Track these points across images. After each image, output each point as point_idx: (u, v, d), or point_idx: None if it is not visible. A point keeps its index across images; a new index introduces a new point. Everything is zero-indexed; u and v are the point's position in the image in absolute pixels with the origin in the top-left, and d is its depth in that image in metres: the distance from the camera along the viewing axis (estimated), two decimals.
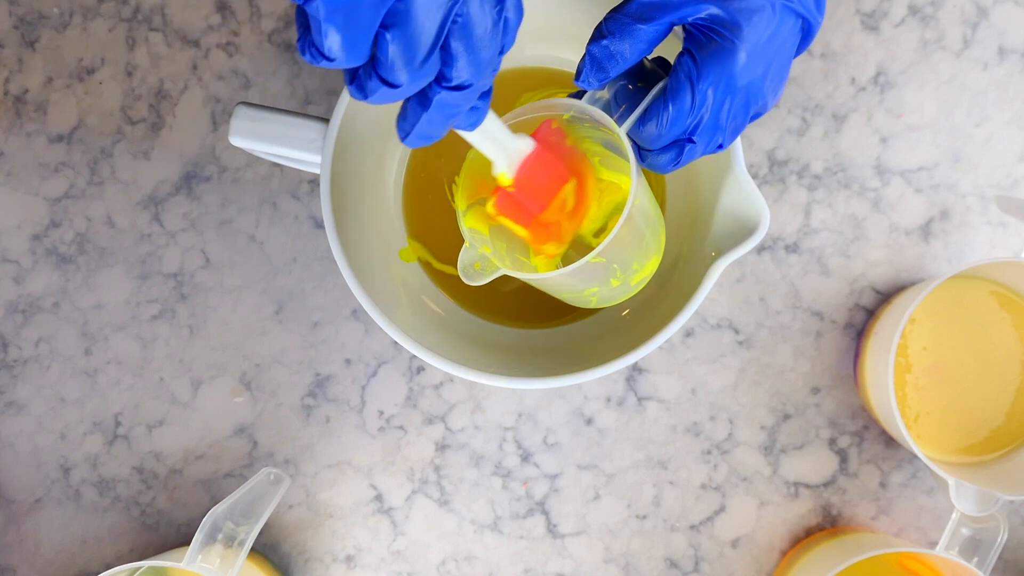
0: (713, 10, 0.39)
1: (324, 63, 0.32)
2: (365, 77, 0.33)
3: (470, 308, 0.57)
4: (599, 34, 0.41)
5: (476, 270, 0.44)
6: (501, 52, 0.35)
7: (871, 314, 0.59)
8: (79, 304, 0.60)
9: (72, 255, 0.60)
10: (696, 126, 0.40)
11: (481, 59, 0.33)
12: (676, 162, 0.42)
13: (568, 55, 0.56)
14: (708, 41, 0.39)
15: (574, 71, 0.56)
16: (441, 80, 0.34)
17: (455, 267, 0.56)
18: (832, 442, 0.59)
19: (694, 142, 0.41)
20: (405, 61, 0.32)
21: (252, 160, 0.60)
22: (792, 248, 0.59)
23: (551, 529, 0.60)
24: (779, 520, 0.59)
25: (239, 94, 0.60)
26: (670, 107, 0.40)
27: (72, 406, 0.60)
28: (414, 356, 0.59)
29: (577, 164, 0.43)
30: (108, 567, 0.58)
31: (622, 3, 0.41)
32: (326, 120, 0.48)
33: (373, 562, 0.60)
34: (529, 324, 0.56)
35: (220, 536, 0.52)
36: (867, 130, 0.59)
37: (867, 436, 0.59)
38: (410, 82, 0.33)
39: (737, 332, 0.59)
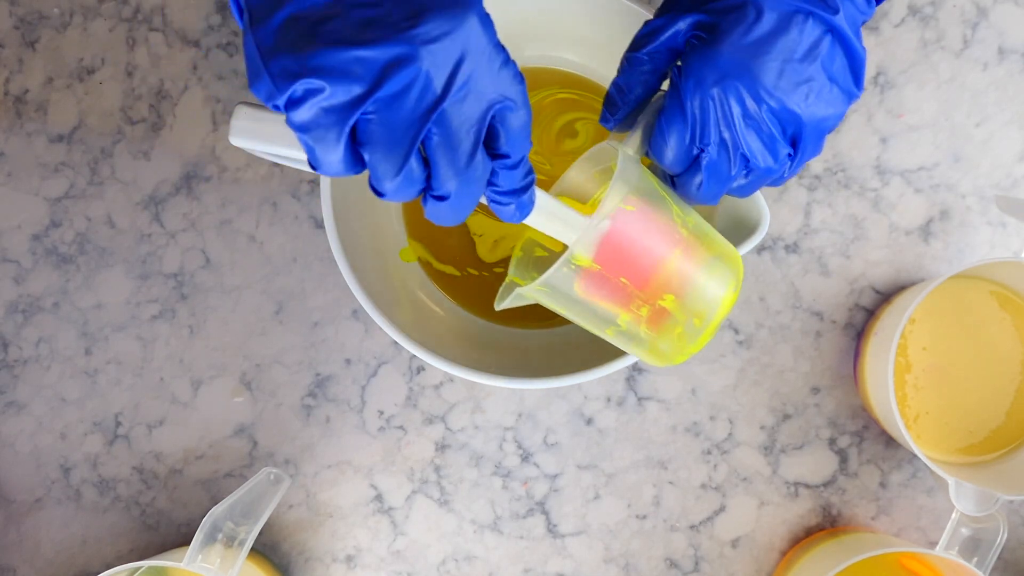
0: (692, 18, 0.40)
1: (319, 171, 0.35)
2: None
3: (470, 308, 0.57)
4: (614, 79, 0.43)
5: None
6: (500, 153, 0.36)
7: (871, 314, 0.59)
8: (79, 304, 0.60)
9: (72, 255, 0.60)
10: (699, 131, 0.40)
11: (451, 174, 0.35)
12: (700, 181, 0.41)
13: (568, 55, 0.56)
14: (690, 48, 0.40)
15: (574, 71, 0.56)
16: (428, 189, 0.36)
17: (455, 267, 0.57)
18: (832, 442, 0.59)
19: (705, 151, 0.40)
20: (382, 174, 0.34)
21: (252, 160, 0.60)
22: (792, 248, 0.59)
23: (551, 529, 0.60)
24: (779, 520, 0.59)
25: (239, 94, 0.60)
26: (665, 111, 0.41)
27: (72, 406, 0.60)
28: (414, 356, 0.59)
29: (673, 233, 0.43)
30: (108, 567, 0.58)
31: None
32: None
33: (373, 562, 0.60)
34: (529, 324, 0.56)
35: (220, 536, 0.52)
36: (867, 130, 0.59)
37: (867, 436, 0.59)
38: (395, 191, 0.35)
39: (737, 332, 0.59)
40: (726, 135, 0.40)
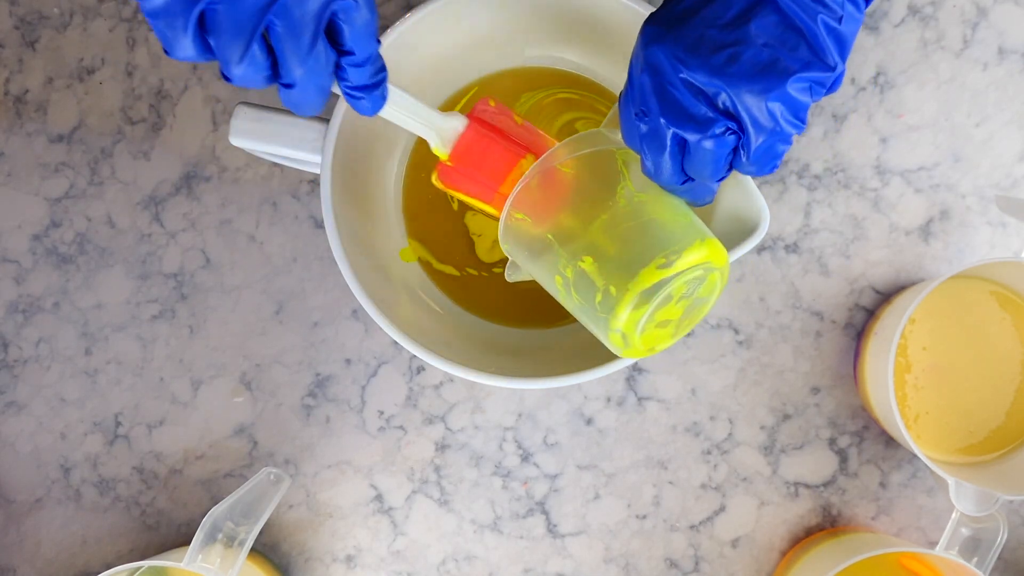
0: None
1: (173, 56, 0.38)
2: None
3: (470, 308, 0.57)
4: None
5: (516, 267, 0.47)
6: (345, 48, 0.38)
7: (871, 314, 0.59)
8: (79, 304, 0.60)
9: (72, 255, 0.60)
10: (638, 103, 0.40)
11: (295, 62, 0.37)
12: (644, 160, 0.41)
13: (568, 55, 0.56)
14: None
15: (574, 71, 0.56)
16: (276, 77, 0.38)
17: (455, 267, 0.57)
18: (832, 442, 0.59)
19: (640, 127, 0.40)
20: (228, 59, 0.37)
21: (252, 160, 0.60)
22: (792, 248, 0.59)
23: (551, 529, 0.60)
24: (779, 520, 0.59)
25: (239, 94, 0.60)
26: (623, 98, 0.41)
27: (72, 406, 0.60)
28: (414, 356, 0.59)
29: (535, 140, 0.45)
30: (108, 567, 0.58)
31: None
32: (326, 120, 0.48)
33: (373, 562, 0.60)
34: (529, 324, 0.56)
35: (220, 536, 0.52)
36: (867, 130, 0.59)
37: (867, 436, 0.59)
38: (241, 77, 0.37)
39: (737, 332, 0.59)
40: (651, 105, 0.39)
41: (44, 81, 0.60)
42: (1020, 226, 0.59)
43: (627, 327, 0.42)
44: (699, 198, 0.43)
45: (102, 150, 0.60)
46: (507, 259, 0.56)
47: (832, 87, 0.39)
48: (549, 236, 0.43)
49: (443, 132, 0.44)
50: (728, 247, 0.45)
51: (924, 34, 0.59)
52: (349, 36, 0.38)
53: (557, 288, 0.44)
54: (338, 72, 0.40)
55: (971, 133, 0.59)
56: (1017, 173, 0.59)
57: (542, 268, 0.44)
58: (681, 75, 0.38)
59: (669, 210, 0.42)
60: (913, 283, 0.59)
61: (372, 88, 0.40)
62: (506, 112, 0.45)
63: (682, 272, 0.41)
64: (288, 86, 0.38)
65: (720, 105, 0.38)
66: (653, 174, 0.41)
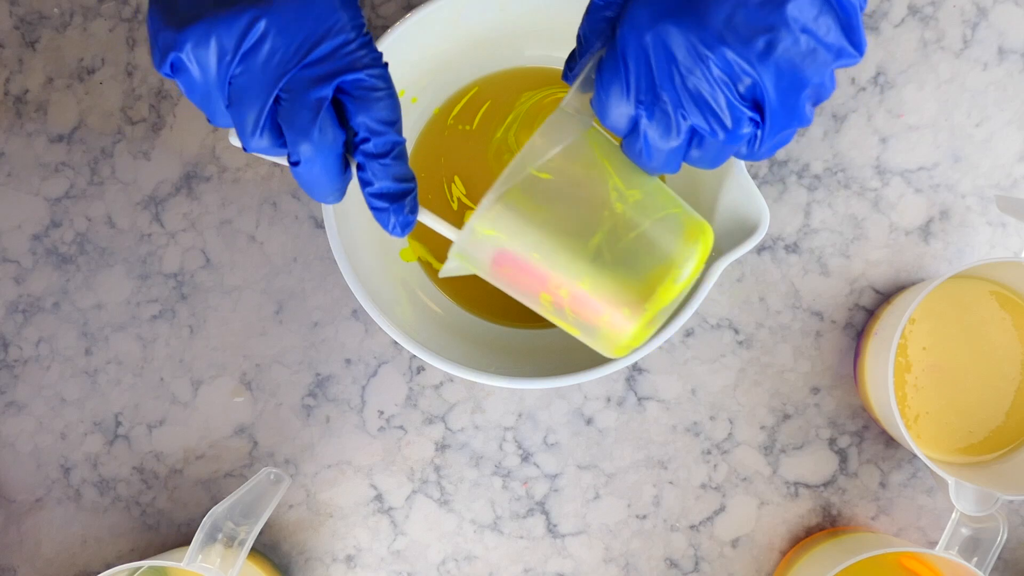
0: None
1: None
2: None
3: (470, 308, 0.57)
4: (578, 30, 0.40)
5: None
6: (360, 135, 0.38)
7: (871, 314, 0.59)
8: (79, 304, 0.60)
9: (72, 255, 0.60)
10: (634, 87, 0.36)
11: (301, 138, 0.37)
12: (640, 147, 0.37)
13: (567, 55, 0.56)
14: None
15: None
16: (289, 157, 0.38)
17: None
18: (832, 442, 0.59)
19: (641, 111, 0.36)
20: (243, 131, 0.38)
21: (252, 160, 0.60)
22: (792, 248, 0.59)
23: (551, 529, 0.60)
24: (779, 520, 0.59)
25: None
26: (602, 63, 0.37)
27: (72, 406, 0.60)
28: (414, 356, 0.59)
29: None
30: (108, 567, 0.58)
31: None
32: None
33: (373, 562, 0.60)
34: (529, 324, 0.56)
35: (220, 536, 0.52)
36: (867, 130, 0.59)
37: (867, 436, 0.59)
38: (255, 147, 0.38)
39: (737, 332, 0.59)
40: (664, 92, 0.35)
41: (44, 81, 0.60)
42: (1020, 226, 0.59)
43: (637, 341, 0.40)
44: (664, 171, 0.39)
45: (102, 150, 0.60)
46: None
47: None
48: (535, 255, 0.39)
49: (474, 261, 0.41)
50: (728, 247, 0.45)
51: (924, 34, 0.59)
52: (356, 112, 0.37)
53: (543, 306, 0.40)
54: (359, 171, 0.38)
55: (971, 133, 0.59)
56: (1017, 173, 0.59)
57: (518, 289, 0.40)
58: (706, 60, 0.34)
59: (662, 204, 0.39)
60: (913, 283, 0.59)
61: (397, 199, 0.39)
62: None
63: (694, 273, 0.39)
64: (295, 164, 0.38)
65: (745, 95, 0.35)
66: (646, 161, 0.38)
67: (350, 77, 0.37)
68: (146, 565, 0.53)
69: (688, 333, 0.59)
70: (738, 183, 0.46)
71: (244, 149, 0.38)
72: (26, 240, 0.60)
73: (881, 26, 0.59)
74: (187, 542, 0.52)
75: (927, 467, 0.55)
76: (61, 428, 0.60)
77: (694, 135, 0.37)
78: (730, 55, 0.34)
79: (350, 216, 0.51)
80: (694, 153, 0.37)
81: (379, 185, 0.38)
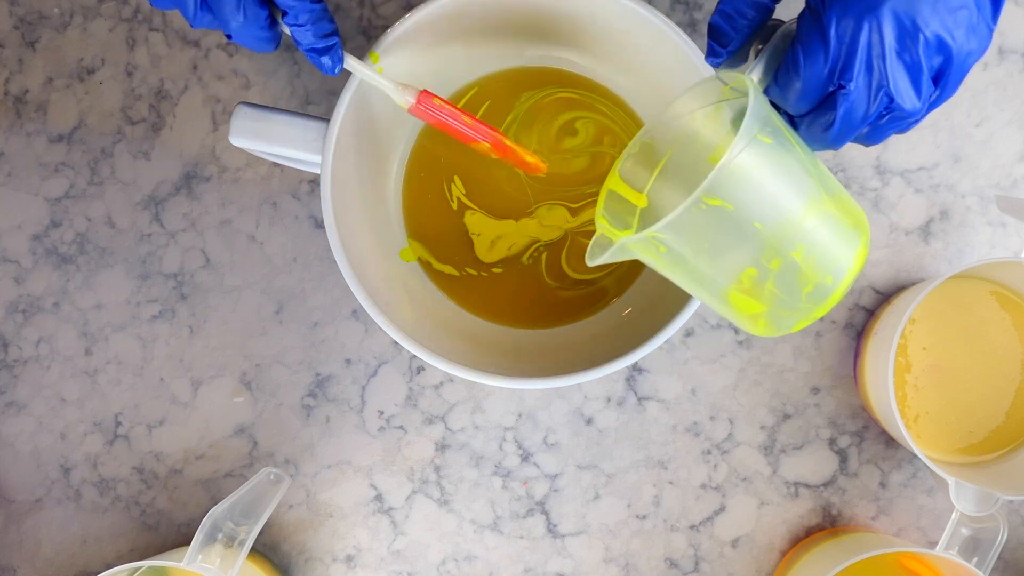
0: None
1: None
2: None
3: (470, 308, 0.57)
4: (718, 7, 0.39)
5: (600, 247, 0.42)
6: (284, 12, 0.44)
7: (871, 314, 0.59)
8: (79, 304, 0.60)
9: (72, 255, 0.60)
10: (842, 64, 0.36)
11: (236, 22, 0.43)
12: (832, 121, 0.37)
13: (568, 55, 0.56)
14: None
15: (574, 71, 0.56)
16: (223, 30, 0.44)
17: (455, 267, 0.57)
18: (832, 442, 0.59)
19: (845, 88, 0.36)
20: (184, 12, 0.43)
21: (252, 160, 0.60)
22: None
23: (551, 529, 0.60)
24: (779, 520, 0.59)
25: (239, 94, 0.60)
26: (801, 40, 0.36)
27: (72, 406, 0.60)
28: (414, 356, 0.59)
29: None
30: (108, 567, 0.58)
31: None
32: (326, 120, 0.48)
33: (373, 562, 0.60)
34: (529, 324, 0.56)
35: (220, 536, 0.52)
36: None
37: (867, 436, 0.59)
38: (196, 25, 0.43)
39: (737, 332, 0.59)
40: (875, 69, 0.35)
41: (44, 81, 0.60)
42: (1020, 226, 0.59)
43: (825, 310, 0.40)
44: (835, 147, 0.39)
45: (102, 150, 0.60)
46: (504, 258, 0.56)
47: None
48: (757, 225, 0.38)
49: (403, 102, 0.48)
50: None
51: None
52: None
53: (740, 282, 0.39)
54: (292, 30, 0.45)
55: (971, 133, 0.59)
56: (1017, 173, 0.59)
57: (720, 261, 0.39)
58: (921, 39, 0.35)
59: (835, 180, 0.40)
60: (913, 283, 0.59)
61: (324, 52, 0.45)
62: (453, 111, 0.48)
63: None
64: (229, 37, 0.44)
65: (935, 68, 0.36)
66: (830, 135, 0.38)
67: None
68: (146, 565, 0.53)
69: (688, 333, 0.59)
70: None
71: (191, 26, 0.44)
72: (26, 240, 0.60)
73: None
74: (187, 542, 0.52)
75: (927, 467, 0.55)
76: (61, 428, 0.60)
77: (886, 110, 0.37)
78: (936, 33, 0.35)
79: (350, 216, 0.51)
80: (867, 128, 0.38)
81: (307, 43, 0.45)
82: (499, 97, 0.56)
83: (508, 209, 0.56)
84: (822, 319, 0.59)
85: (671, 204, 0.43)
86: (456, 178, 0.56)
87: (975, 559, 0.51)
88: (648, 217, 0.44)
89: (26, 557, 0.60)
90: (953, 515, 0.52)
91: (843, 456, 0.59)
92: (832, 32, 0.35)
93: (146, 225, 0.60)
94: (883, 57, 0.35)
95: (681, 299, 0.47)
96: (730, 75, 0.39)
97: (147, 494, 0.60)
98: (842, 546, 0.55)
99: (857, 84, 0.36)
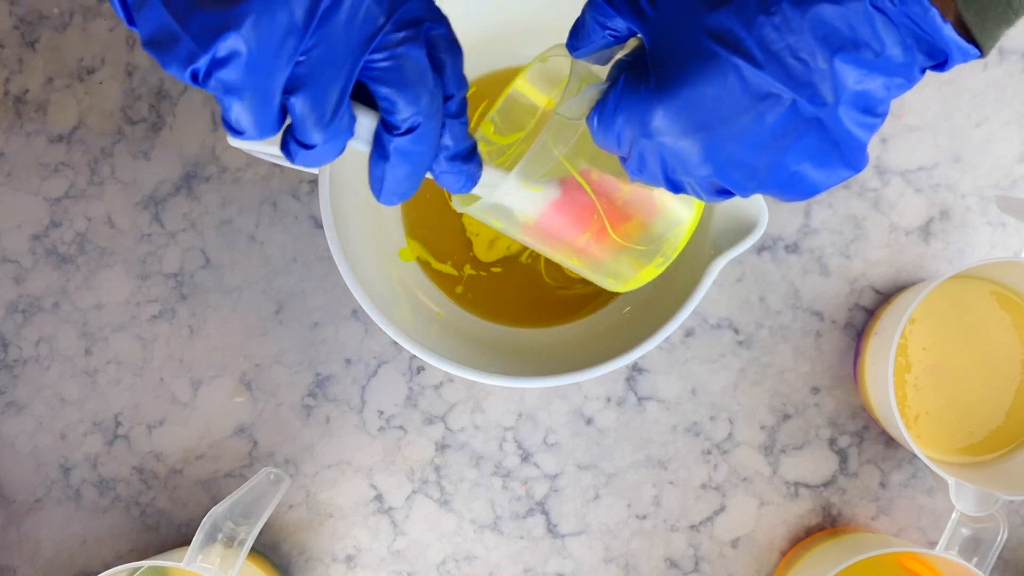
0: (635, 41, 0.35)
1: (240, 137, 0.32)
2: (287, 141, 0.33)
3: (470, 308, 0.57)
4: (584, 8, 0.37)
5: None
6: (447, 92, 0.34)
7: (871, 314, 0.59)
8: (79, 304, 0.60)
9: (72, 255, 0.60)
10: (624, 157, 0.36)
11: (419, 97, 0.33)
12: (634, 172, 0.36)
13: (566, 54, 0.56)
14: (638, 66, 0.34)
15: None
16: (392, 129, 0.33)
17: (454, 266, 0.57)
18: (832, 442, 0.59)
19: (633, 171, 0.36)
20: (315, 121, 0.31)
21: (252, 160, 0.60)
22: (792, 248, 0.59)
23: (551, 529, 0.60)
24: (779, 520, 0.59)
25: None
26: (595, 119, 0.36)
27: (72, 406, 0.60)
28: (414, 356, 0.59)
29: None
30: (108, 567, 0.58)
31: None
32: None
33: (373, 562, 0.60)
34: (528, 323, 0.56)
35: (220, 536, 0.52)
36: None
37: (867, 436, 0.59)
38: (325, 141, 0.32)
39: (737, 332, 0.59)
40: (654, 170, 0.35)
41: (44, 81, 0.60)
42: (1020, 226, 0.59)
43: (654, 272, 0.43)
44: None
45: (102, 150, 0.60)
46: (504, 257, 0.56)
47: None
48: (528, 240, 0.42)
49: (532, 203, 0.40)
50: (727, 246, 0.46)
51: None
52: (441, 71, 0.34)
53: (576, 248, 0.42)
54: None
55: (971, 133, 0.59)
56: (1017, 173, 0.59)
57: (561, 232, 0.42)
58: (700, 177, 0.34)
59: (645, 198, 0.43)
60: (913, 283, 0.59)
61: (470, 156, 0.36)
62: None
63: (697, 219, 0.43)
64: (410, 131, 0.33)
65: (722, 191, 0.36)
66: (633, 176, 0.38)
67: (437, 30, 0.33)
68: (146, 565, 0.53)
69: (688, 333, 0.59)
70: None
71: (308, 145, 0.32)
72: (26, 240, 0.60)
73: None
74: (187, 542, 0.52)
75: (927, 467, 0.55)
76: (61, 428, 0.60)
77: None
78: (717, 182, 0.35)
79: (349, 216, 0.51)
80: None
81: (458, 145, 0.35)
82: (497, 96, 0.56)
83: None
84: (822, 319, 0.59)
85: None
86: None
87: (975, 559, 0.51)
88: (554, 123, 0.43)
89: (26, 557, 0.60)
90: (953, 515, 0.52)
91: (843, 456, 0.59)
92: (618, 131, 0.35)
93: (146, 225, 0.60)
94: (666, 170, 0.34)
95: (679, 298, 0.47)
96: (584, 68, 0.39)
97: (147, 494, 0.60)
98: (842, 546, 0.55)
99: (640, 172, 0.35)
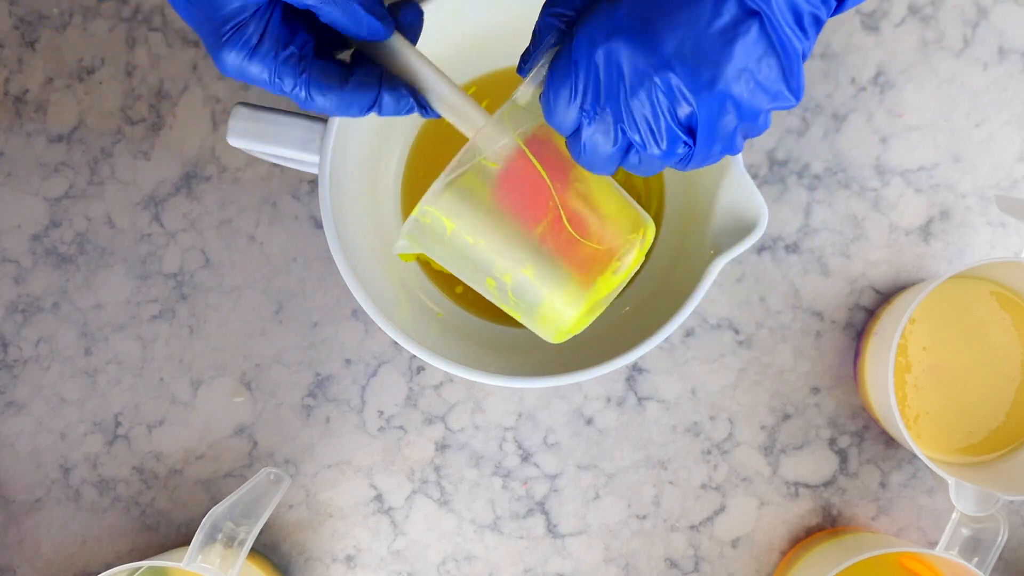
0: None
1: None
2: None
3: (470, 308, 0.57)
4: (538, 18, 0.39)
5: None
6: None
7: (871, 314, 0.59)
8: (79, 304, 0.60)
9: (72, 255, 0.60)
10: (582, 95, 0.36)
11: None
12: (580, 151, 0.37)
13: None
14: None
15: None
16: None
17: None
18: (832, 442, 0.59)
19: (584, 119, 0.36)
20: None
21: (252, 160, 0.60)
22: (792, 248, 0.59)
23: (551, 529, 0.60)
24: (779, 520, 0.59)
25: (239, 94, 0.60)
26: (552, 67, 0.37)
27: (72, 406, 0.60)
28: (414, 356, 0.59)
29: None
30: (108, 567, 0.58)
31: None
32: (325, 120, 0.48)
33: (373, 562, 0.60)
34: None
35: (220, 536, 0.52)
36: (867, 130, 0.59)
37: (867, 436, 0.59)
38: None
39: (737, 332, 0.59)
40: (608, 105, 0.36)
41: (44, 81, 0.60)
42: (1020, 226, 0.59)
43: (576, 328, 0.41)
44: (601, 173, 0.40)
45: (102, 150, 0.60)
46: None
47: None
48: (482, 243, 0.40)
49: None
50: (727, 245, 0.45)
51: (924, 34, 0.59)
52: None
53: (487, 289, 0.41)
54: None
55: (971, 133, 0.59)
56: (1017, 173, 0.59)
57: (465, 268, 0.41)
58: (652, 83, 0.35)
59: (604, 195, 0.41)
60: (913, 283, 0.59)
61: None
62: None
63: (634, 265, 0.40)
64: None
65: (683, 120, 0.36)
66: (584, 162, 0.38)
67: None
68: (146, 565, 0.53)
69: (688, 333, 0.59)
70: (736, 181, 0.46)
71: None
72: (26, 240, 0.60)
73: (881, 26, 0.59)
74: (187, 542, 0.52)
75: (927, 467, 0.55)
76: (61, 428, 0.60)
77: (631, 147, 0.37)
78: (675, 81, 0.35)
79: (349, 216, 0.51)
80: (631, 159, 0.38)
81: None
82: (497, 96, 0.56)
83: None
84: (822, 319, 0.59)
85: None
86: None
87: (975, 559, 0.51)
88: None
89: (26, 557, 0.60)
90: (953, 515, 0.52)
91: (843, 456, 0.59)
92: (574, 63, 0.36)
93: (146, 225, 0.60)
94: (616, 94, 0.35)
95: (679, 298, 0.47)
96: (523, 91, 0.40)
97: (147, 494, 0.60)
98: (842, 546, 0.55)
99: (594, 118, 0.36)
